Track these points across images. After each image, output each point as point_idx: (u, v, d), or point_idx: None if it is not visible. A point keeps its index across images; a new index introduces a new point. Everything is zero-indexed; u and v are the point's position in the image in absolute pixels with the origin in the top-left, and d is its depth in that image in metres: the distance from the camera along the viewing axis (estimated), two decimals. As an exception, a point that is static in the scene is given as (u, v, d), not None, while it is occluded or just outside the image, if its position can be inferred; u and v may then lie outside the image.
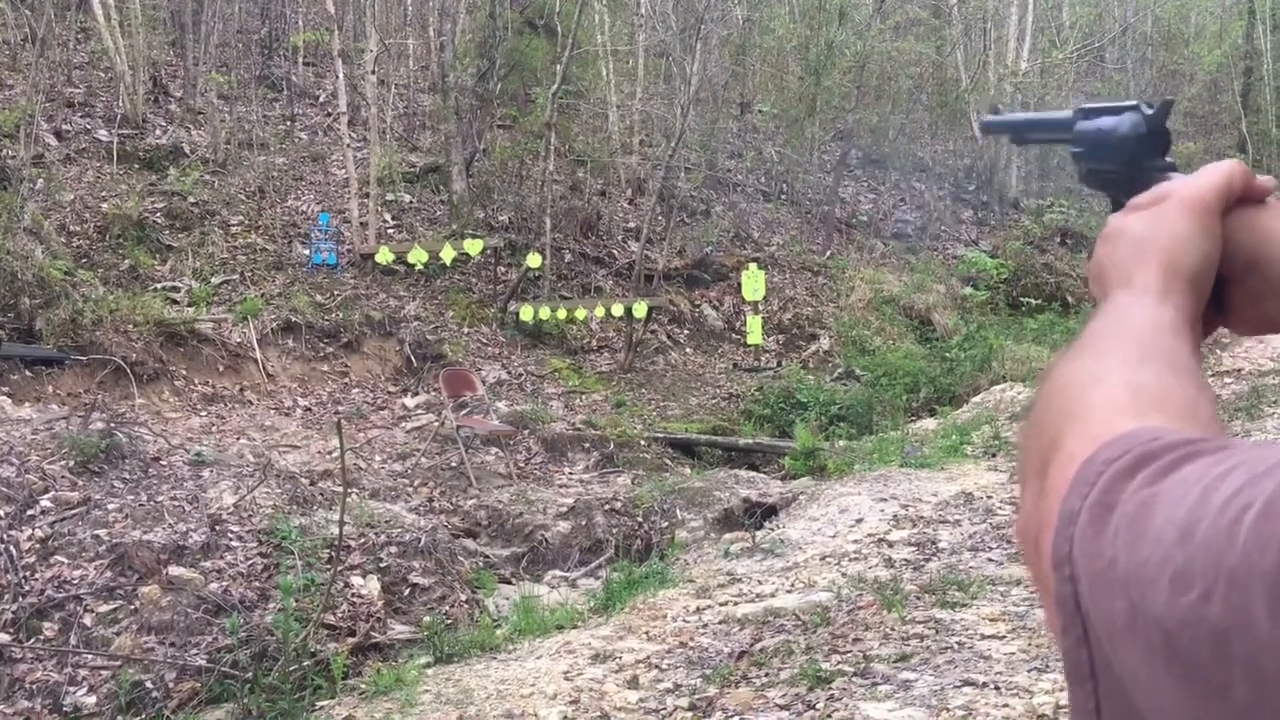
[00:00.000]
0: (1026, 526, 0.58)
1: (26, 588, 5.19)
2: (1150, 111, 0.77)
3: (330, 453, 8.79)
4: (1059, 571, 0.50)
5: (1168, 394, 0.57)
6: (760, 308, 14.55)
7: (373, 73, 14.54)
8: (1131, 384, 0.58)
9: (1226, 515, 0.44)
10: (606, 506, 8.42)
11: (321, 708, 4.58)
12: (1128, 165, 0.75)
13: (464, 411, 10.19)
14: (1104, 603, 0.47)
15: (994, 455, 8.73)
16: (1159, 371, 0.59)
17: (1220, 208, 0.68)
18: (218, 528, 5.83)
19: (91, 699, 4.67)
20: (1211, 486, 0.46)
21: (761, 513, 8.18)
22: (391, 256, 12.83)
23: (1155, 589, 0.44)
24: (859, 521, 6.95)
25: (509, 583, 7.23)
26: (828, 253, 17.50)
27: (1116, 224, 0.71)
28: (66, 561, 5.37)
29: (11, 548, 5.35)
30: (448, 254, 12.83)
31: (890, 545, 6.25)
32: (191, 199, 13.06)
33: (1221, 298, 0.69)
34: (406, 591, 5.90)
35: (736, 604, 5.38)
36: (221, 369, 10.95)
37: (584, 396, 12.20)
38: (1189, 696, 0.43)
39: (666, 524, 8.23)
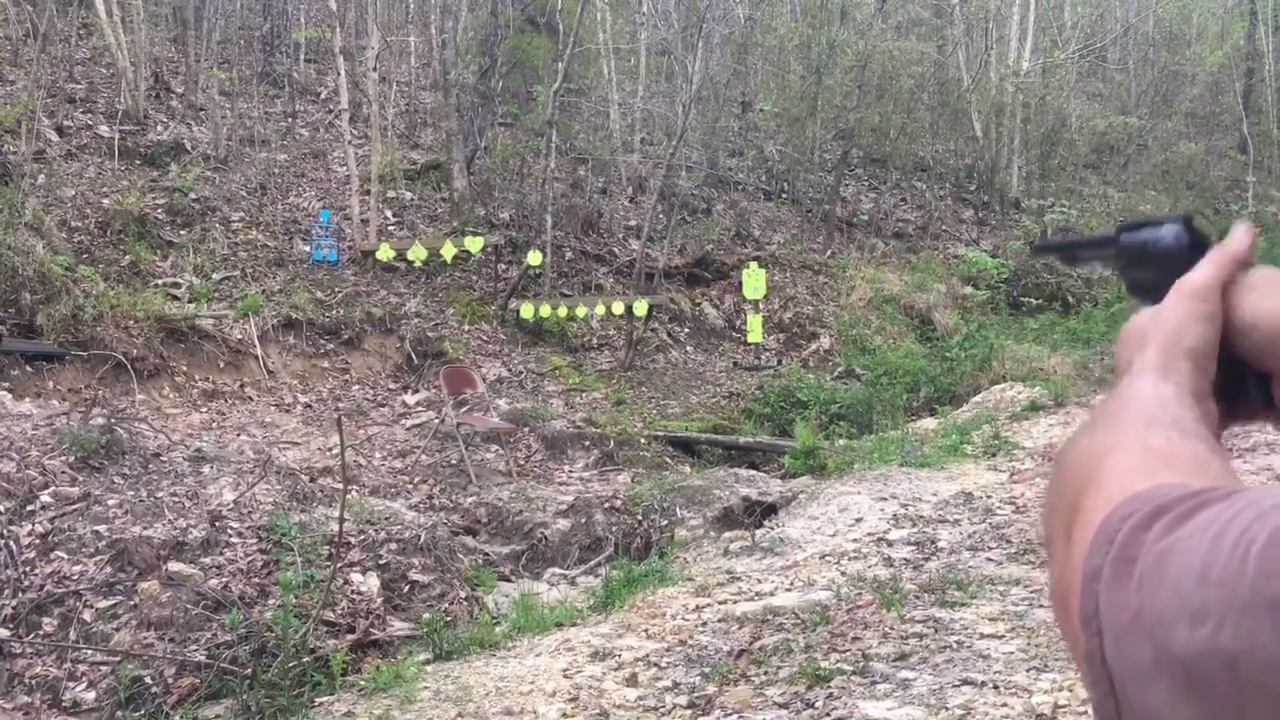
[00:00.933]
0: (1057, 591, 0.61)
1: (26, 583, 5.19)
2: (1191, 224, 0.81)
3: (330, 449, 8.79)
4: (1086, 629, 0.53)
5: (1175, 452, 0.61)
6: (761, 306, 14.55)
7: (374, 70, 14.55)
8: (1142, 447, 0.62)
9: (1237, 553, 0.47)
10: (606, 504, 8.43)
11: (321, 704, 4.58)
12: (1170, 273, 0.79)
13: (464, 409, 10.20)
14: (1129, 651, 0.50)
15: (994, 455, 8.73)
16: (1165, 434, 0.63)
17: (1218, 289, 0.72)
18: (217, 524, 5.84)
19: (91, 694, 4.68)
20: (1222, 531, 0.49)
21: (761, 511, 8.19)
22: (392, 253, 12.82)
23: (1177, 629, 0.47)
24: (859, 520, 6.96)
25: (508, 580, 7.23)
26: (828, 252, 17.50)
27: (1129, 324, 0.77)
28: (66, 557, 5.38)
29: (11, 543, 5.35)
30: (448, 251, 12.83)
31: (890, 544, 6.26)
32: (193, 195, 13.06)
33: (1269, 389, 0.72)
34: (406, 588, 5.90)
35: (736, 602, 5.39)
36: (222, 365, 10.95)
37: (584, 394, 12.20)
38: None
39: (666, 522, 8.23)
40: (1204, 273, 0.72)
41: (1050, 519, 0.65)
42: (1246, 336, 0.70)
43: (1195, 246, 0.80)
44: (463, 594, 6.04)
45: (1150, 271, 0.81)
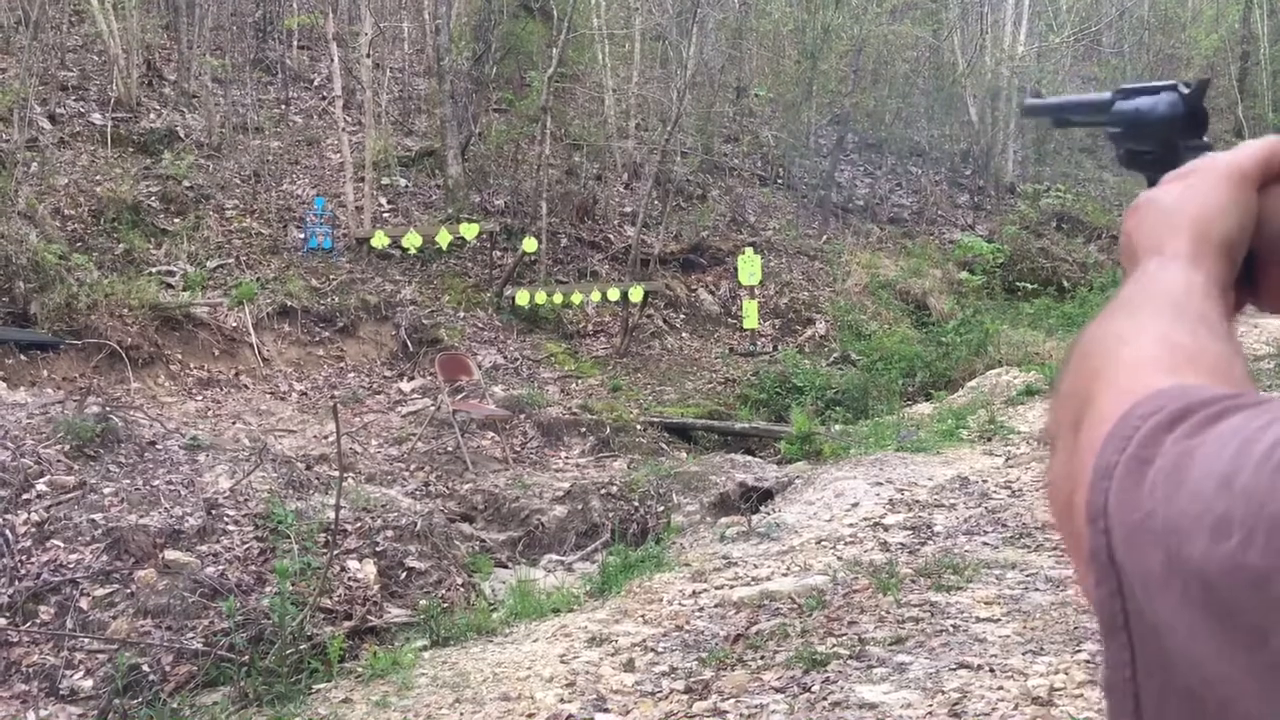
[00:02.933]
0: (1058, 485, 0.58)
1: (22, 571, 5.19)
2: (1187, 91, 0.77)
3: (326, 437, 8.79)
4: (1093, 525, 0.50)
5: (1201, 351, 0.57)
6: (756, 292, 14.54)
7: (368, 56, 14.49)
8: (1165, 341, 0.58)
9: (1268, 465, 0.44)
10: (602, 491, 8.43)
11: (318, 691, 4.59)
12: (1164, 145, 0.76)
13: (460, 396, 10.19)
14: (1140, 554, 0.47)
15: (989, 440, 8.75)
16: (1193, 329, 0.59)
17: (1256, 180, 0.68)
18: (214, 512, 5.83)
19: (88, 682, 4.68)
20: (1251, 439, 0.46)
21: (757, 497, 8.20)
22: (387, 240, 12.80)
23: (1194, 538, 0.44)
24: (854, 505, 6.97)
25: (505, 567, 7.24)
26: (824, 237, 17.49)
27: (1146, 196, 0.72)
28: (62, 545, 5.38)
29: (7, 531, 5.34)
30: (443, 238, 12.80)
31: (885, 529, 6.27)
32: (186, 183, 13.02)
33: (1254, 274, 0.69)
34: (403, 575, 5.90)
35: (732, 587, 5.39)
36: (217, 353, 10.94)
37: (580, 381, 12.20)
38: (1227, 645, 0.43)
39: (662, 508, 8.24)
40: (1250, 158, 0.68)
41: (1058, 406, 0.61)
42: (1267, 225, 0.67)
43: (1191, 116, 0.77)
44: (459, 581, 6.05)
45: (1144, 141, 0.78)
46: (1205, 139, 0.78)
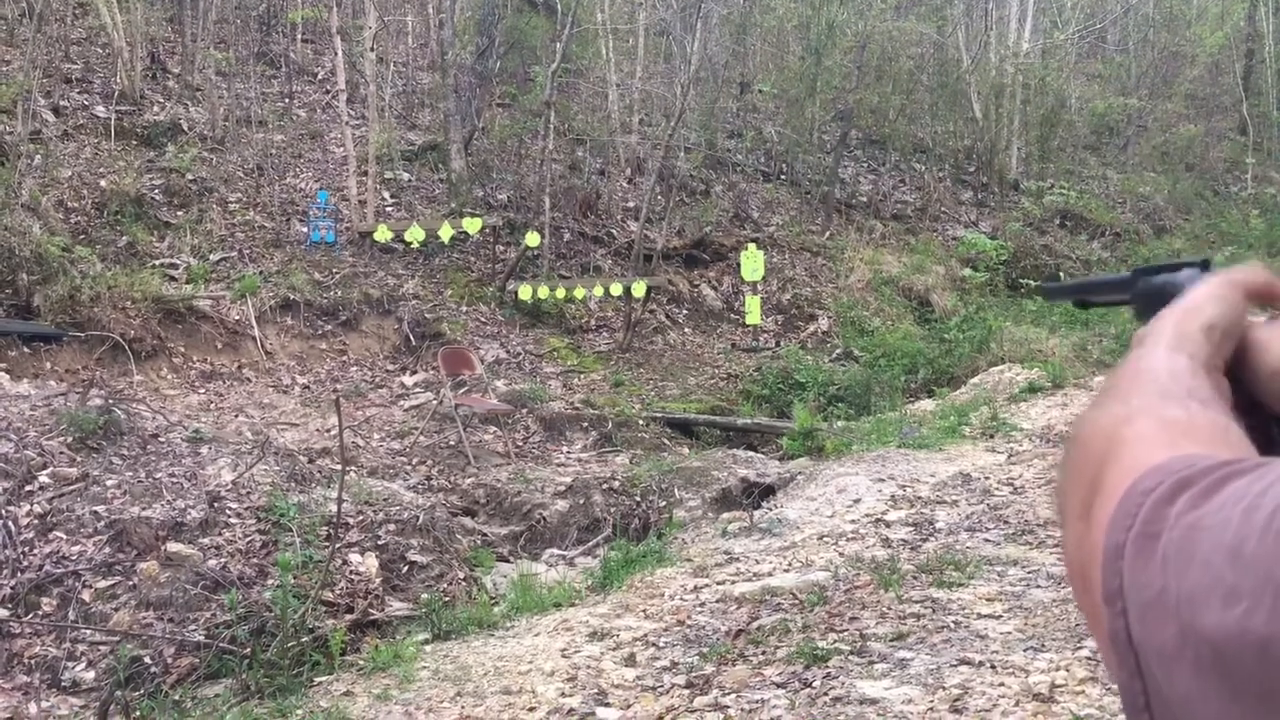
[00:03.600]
0: (1074, 568, 0.59)
1: (25, 563, 5.20)
2: (1210, 269, 0.79)
3: (328, 430, 8.79)
4: (1111, 607, 0.51)
5: (1194, 422, 0.59)
6: (759, 288, 14.53)
7: (371, 50, 14.48)
8: (1159, 418, 0.59)
9: (1270, 531, 0.45)
10: (604, 485, 8.43)
11: (320, 683, 4.60)
12: None
13: (462, 390, 10.19)
14: (1156, 630, 0.48)
15: (992, 436, 8.74)
16: (1184, 403, 0.60)
17: (1241, 286, 0.70)
18: (216, 504, 5.84)
19: (90, 674, 4.69)
20: (1253, 506, 0.47)
21: (759, 492, 8.20)
22: (390, 235, 12.80)
23: (1206, 610, 0.45)
24: (856, 501, 6.97)
25: (507, 561, 7.24)
26: (827, 233, 17.47)
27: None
28: (65, 537, 5.38)
29: (10, 523, 5.35)
30: (446, 232, 12.80)
31: (887, 525, 6.27)
32: (189, 176, 13.02)
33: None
34: (404, 569, 5.91)
35: (734, 583, 5.40)
36: (220, 346, 10.94)
37: (582, 376, 12.20)
38: (1236, 711, 0.44)
39: (664, 503, 8.24)
40: (1232, 272, 0.71)
41: (1065, 494, 0.62)
42: (1275, 381, 0.67)
43: None
44: (461, 574, 6.05)
45: None
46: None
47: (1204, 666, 0.45)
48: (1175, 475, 0.52)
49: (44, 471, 5.88)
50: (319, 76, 16.90)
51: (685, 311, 14.70)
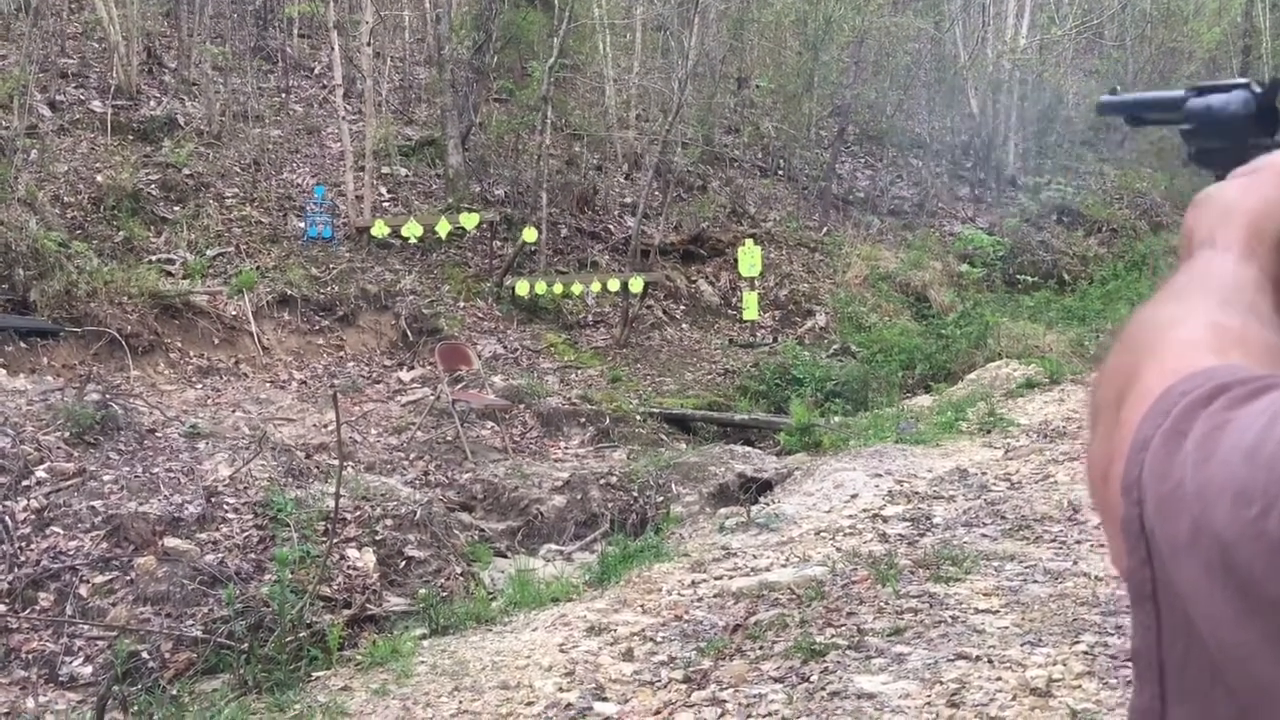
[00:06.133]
0: (1096, 459, 0.59)
1: (22, 558, 5.19)
2: (1260, 90, 0.78)
3: (326, 426, 8.79)
4: (1127, 496, 0.52)
5: (1248, 336, 0.58)
6: (756, 283, 14.54)
7: (368, 45, 14.46)
8: (1213, 324, 0.59)
9: None
10: (602, 481, 8.43)
11: (317, 678, 4.60)
12: (1235, 142, 0.76)
13: (459, 385, 10.19)
14: (1169, 522, 0.48)
15: (989, 432, 8.75)
16: (1242, 316, 0.60)
17: None
18: (213, 500, 5.84)
19: (87, 669, 4.69)
20: (1278, 414, 0.47)
21: (756, 488, 8.20)
22: (387, 230, 12.79)
23: (1217, 506, 0.46)
24: (854, 497, 6.97)
25: (504, 556, 7.24)
26: (824, 229, 17.47)
27: (1207, 191, 0.72)
28: (62, 532, 5.38)
29: (7, 518, 5.35)
30: (443, 228, 12.79)
31: (885, 520, 6.27)
32: (186, 171, 13.00)
33: None
34: (402, 564, 5.91)
35: (731, 578, 5.40)
36: (216, 342, 10.93)
37: (580, 371, 12.19)
38: (1243, 610, 0.44)
39: (662, 499, 8.24)
40: None
41: (1102, 385, 0.62)
42: None
43: (1263, 113, 0.77)
44: (458, 570, 6.06)
45: (1215, 138, 0.79)
46: (1277, 138, 0.78)
47: (1212, 563, 0.46)
48: (1215, 380, 0.52)
49: (41, 466, 5.88)
50: (316, 71, 16.87)
51: (682, 307, 14.70)
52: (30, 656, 4.69)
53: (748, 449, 9.70)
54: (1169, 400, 0.52)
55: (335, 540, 5.52)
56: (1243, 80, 0.78)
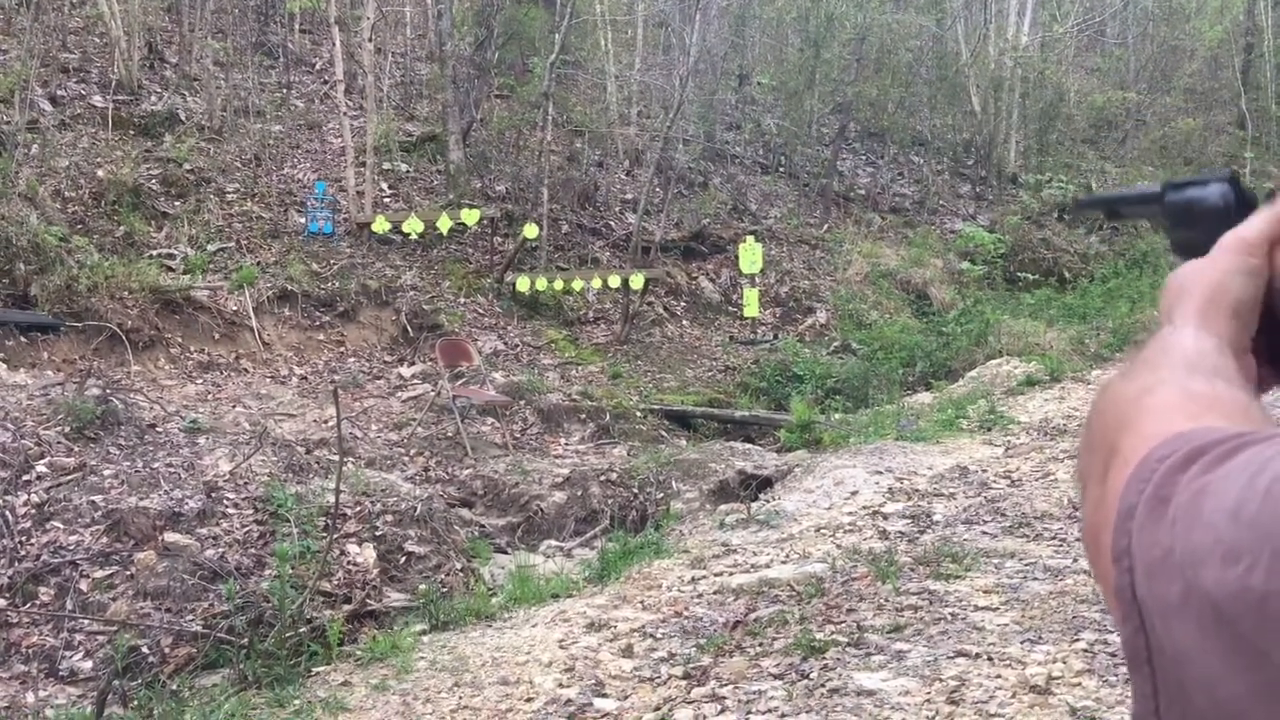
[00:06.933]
0: (1089, 530, 0.60)
1: (22, 553, 5.20)
2: (1236, 187, 0.80)
3: (326, 421, 8.79)
4: (1118, 564, 0.53)
5: (1218, 397, 0.60)
6: (757, 280, 14.53)
7: (370, 40, 14.45)
8: (1183, 389, 0.61)
9: (1273, 493, 0.46)
10: (602, 477, 8.44)
11: (317, 674, 4.60)
12: (1215, 233, 0.78)
13: (460, 381, 10.19)
14: (1160, 587, 0.50)
15: (989, 430, 8.75)
16: (1209, 379, 0.62)
17: (1263, 246, 0.71)
18: (214, 495, 5.84)
19: (88, 664, 4.69)
20: (1259, 471, 0.48)
21: (757, 485, 8.20)
22: (388, 226, 12.79)
23: (1206, 568, 0.47)
24: (854, 494, 6.97)
25: (504, 552, 7.25)
26: (825, 226, 17.46)
27: (1174, 275, 0.75)
28: (62, 527, 5.38)
29: (7, 513, 5.35)
30: (444, 224, 12.79)
31: (885, 517, 6.27)
32: (187, 166, 12.99)
33: (1277, 347, 0.71)
34: (402, 560, 5.91)
35: (731, 574, 5.40)
36: (217, 337, 10.93)
37: (580, 368, 12.19)
38: (1234, 666, 0.46)
39: (662, 495, 8.24)
40: (1253, 227, 0.72)
41: (1086, 458, 0.64)
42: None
43: (1241, 206, 0.79)
44: (459, 565, 6.06)
45: (1195, 230, 0.81)
46: None
47: (1205, 622, 0.47)
48: (1191, 443, 0.53)
49: (41, 461, 5.88)
50: (317, 67, 16.87)
51: (683, 304, 14.69)
52: (30, 651, 4.70)
53: (748, 446, 9.70)
54: (1148, 467, 0.54)
55: (335, 536, 5.52)
56: (1221, 173, 0.81)
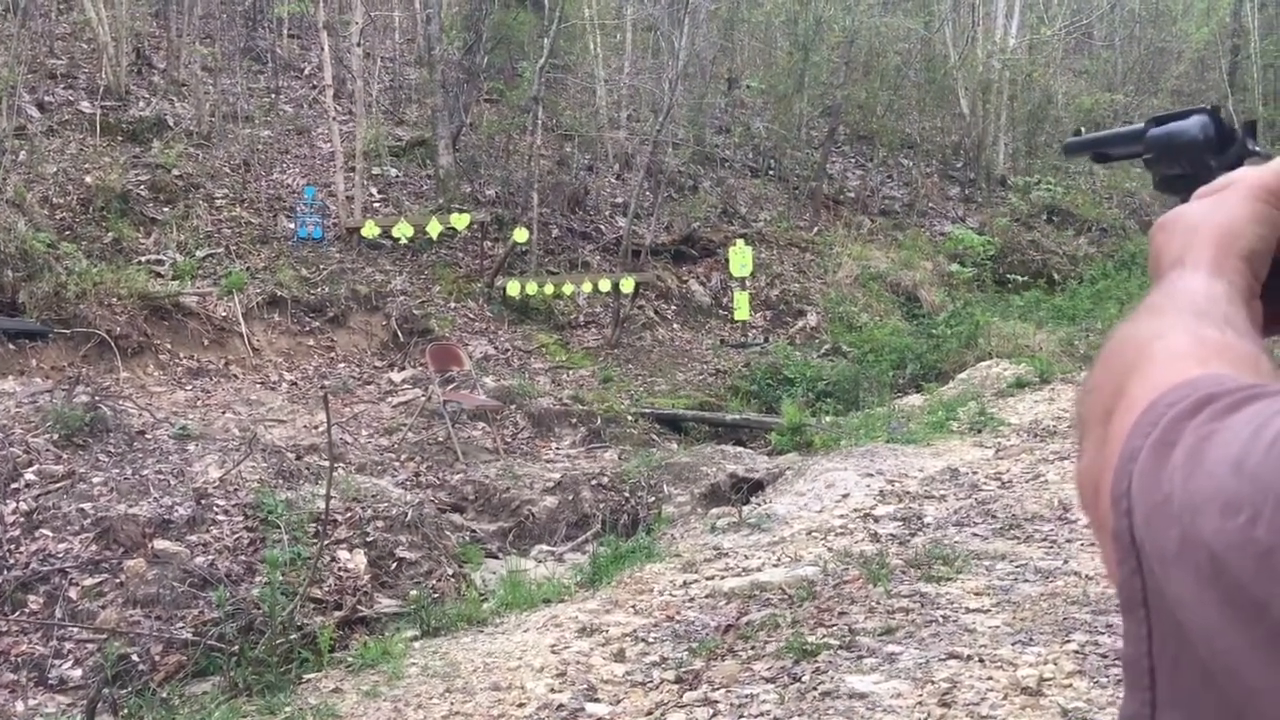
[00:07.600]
0: (1087, 473, 0.60)
1: (11, 561, 5.17)
2: (1218, 119, 0.80)
3: (316, 427, 8.77)
4: (1117, 507, 0.53)
5: (1229, 345, 0.59)
6: (747, 284, 14.53)
7: (358, 45, 14.43)
8: (1195, 335, 0.60)
9: (1276, 448, 0.46)
10: (593, 481, 8.43)
11: (308, 680, 4.59)
12: (1196, 165, 0.78)
13: (450, 386, 10.18)
14: (1159, 533, 0.49)
15: (980, 431, 8.76)
16: (1220, 328, 0.61)
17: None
18: (203, 501, 5.82)
19: (77, 672, 4.67)
20: (1265, 424, 0.48)
21: (748, 488, 8.21)
22: (377, 230, 12.76)
23: (1206, 517, 0.47)
24: (845, 497, 6.98)
25: (495, 557, 7.24)
26: (815, 229, 17.48)
27: (1173, 212, 0.73)
28: (51, 535, 5.36)
29: (-4, 521, 5.32)
30: (434, 228, 12.77)
31: (876, 520, 6.28)
32: (175, 172, 12.96)
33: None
34: (393, 565, 5.90)
35: (723, 578, 5.40)
36: (206, 343, 10.90)
37: (571, 372, 12.19)
38: (1232, 618, 0.45)
39: (653, 499, 8.24)
40: (1272, 172, 0.70)
41: (1088, 401, 0.64)
42: None
43: (1221, 138, 0.79)
44: (450, 571, 6.05)
45: (1177, 164, 0.81)
46: (1254, 151, 0.80)
47: (1203, 572, 0.47)
48: (1201, 390, 0.53)
49: (30, 469, 5.86)
50: (305, 72, 16.84)
51: (674, 307, 14.69)
52: (19, 659, 4.68)
53: (739, 449, 9.71)
54: (1156, 412, 0.53)
55: (326, 542, 5.51)
56: (1201, 107, 0.81)
